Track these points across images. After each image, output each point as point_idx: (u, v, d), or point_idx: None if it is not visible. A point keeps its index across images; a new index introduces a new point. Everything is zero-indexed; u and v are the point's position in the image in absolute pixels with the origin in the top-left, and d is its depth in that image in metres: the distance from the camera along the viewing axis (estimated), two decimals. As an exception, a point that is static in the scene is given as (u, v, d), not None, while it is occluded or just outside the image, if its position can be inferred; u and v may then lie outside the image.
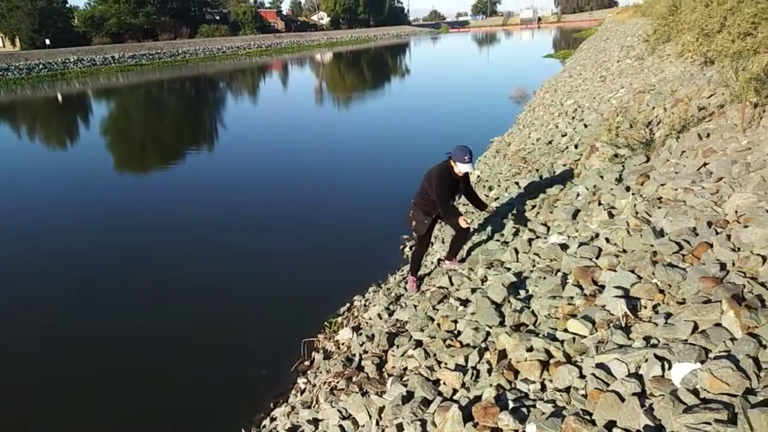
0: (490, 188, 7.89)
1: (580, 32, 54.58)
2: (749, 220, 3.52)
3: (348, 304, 6.02)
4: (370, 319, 5.26)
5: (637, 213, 4.43)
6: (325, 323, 5.64)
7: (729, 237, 3.39)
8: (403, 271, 6.51)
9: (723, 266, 3.12)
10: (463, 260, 5.50)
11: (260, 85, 36.38)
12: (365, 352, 4.47)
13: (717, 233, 3.54)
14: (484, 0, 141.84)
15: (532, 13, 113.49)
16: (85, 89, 35.41)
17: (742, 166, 4.29)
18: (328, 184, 10.95)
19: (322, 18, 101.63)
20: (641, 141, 6.15)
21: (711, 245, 3.40)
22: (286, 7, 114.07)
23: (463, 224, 4.84)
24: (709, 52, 7.97)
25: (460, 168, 4.79)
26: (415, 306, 4.79)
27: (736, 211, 3.74)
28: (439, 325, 4.12)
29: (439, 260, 5.93)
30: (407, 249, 7.32)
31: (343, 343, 5.05)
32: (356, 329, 5.16)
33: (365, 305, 5.84)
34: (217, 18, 79.12)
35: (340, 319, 5.73)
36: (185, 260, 7.64)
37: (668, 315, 2.89)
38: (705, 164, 4.75)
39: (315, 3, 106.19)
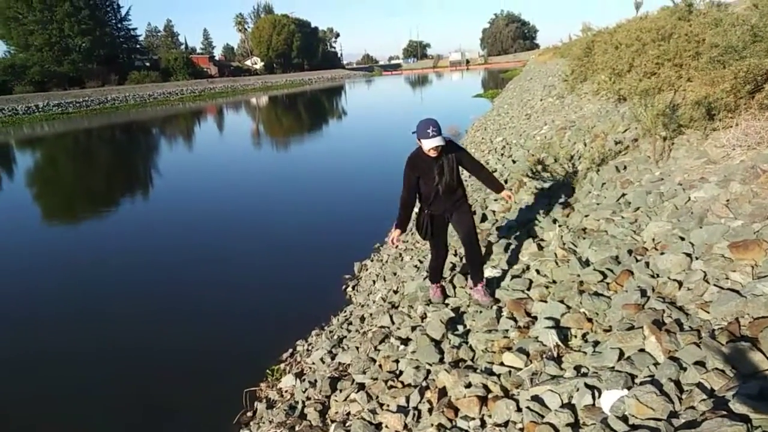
0: (427, 226, 8.02)
1: (506, 73, 57.23)
2: (665, 246, 3.74)
3: (291, 350, 5.89)
4: (313, 363, 5.17)
5: (564, 244, 4.63)
6: (268, 371, 5.48)
7: (648, 264, 3.59)
8: (345, 312, 6.46)
9: (644, 292, 3.29)
10: (483, 285, 4.47)
11: (195, 129, 35.71)
12: (308, 398, 4.38)
13: (637, 261, 3.74)
14: (414, 44, 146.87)
15: (460, 55, 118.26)
16: (7, 139, 33.81)
17: (656, 196, 4.58)
18: (266, 227, 10.82)
19: (256, 63, 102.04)
20: (565, 175, 6.46)
21: (632, 273, 3.59)
22: (218, 53, 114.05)
23: (389, 242, 4.39)
24: (620, 90, 8.54)
25: (424, 145, 3.93)
26: (357, 348, 4.75)
27: (653, 239, 3.98)
28: (380, 366, 4.10)
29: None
30: (350, 289, 7.30)
31: (286, 391, 4.93)
32: (299, 375, 5.05)
33: (308, 350, 5.73)
34: (148, 64, 77.87)
35: (282, 365, 5.59)
36: (118, 314, 7.27)
37: (596, 343, 3.01)
38: (623, 195, 5.03)
39: (248, 48, 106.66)
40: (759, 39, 6.33)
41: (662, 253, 3.59)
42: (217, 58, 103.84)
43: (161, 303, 7.45)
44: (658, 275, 3.44)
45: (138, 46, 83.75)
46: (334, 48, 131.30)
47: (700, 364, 2.46)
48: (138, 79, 67.91)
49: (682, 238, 3.69)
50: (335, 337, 5.45)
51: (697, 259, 3.35)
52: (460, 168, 4.32)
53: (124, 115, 46.43)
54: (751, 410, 2.03)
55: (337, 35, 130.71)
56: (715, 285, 2.98)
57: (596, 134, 7.64)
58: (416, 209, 4.50)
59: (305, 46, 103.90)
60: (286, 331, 6.21)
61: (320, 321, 6.34)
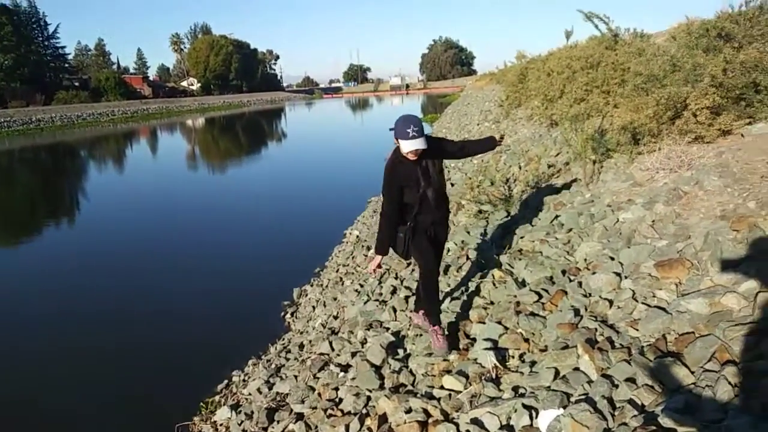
0: (368, 248, 8.01)
1: (445, 97, 58.53)
2: (596, 266, 3.86)
3: (226, 381, 5.70)
4: (250, 394, 5.00)
5: (501, 265, 4.71)
6: (201, 404, 5.26)
7: (580, 284, 3.70)
8: (284, 339, 6.31)
9: (577, 312, 3.37)
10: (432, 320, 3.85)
11: (126, 152, 34.53)
12: (244, 431, 4.21)
13: (570, 281, 3.84)
14: (355, 67, 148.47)
15: (400, 80, 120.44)
16: None
17: (587, 217, 4.74)
18: (202, 253, 10.48)
19: (193, 84, 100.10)
20: (501, 197, 6.62)
21: (566, 292, 3.67)
22: (153, 73, 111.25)
23: (369, 270, 3.89)
24: (552, 115, 8.89)
25: (404, 147, 3.34)
26: (296, 376, 4.63)
27: (585, 259, 4.11)
28: (320, 394, 4.00)
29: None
30: (289, 315, 7.15)
31: (221, 424, 4.73)
32: (235, 407, 4.87)
33: (244, 380, 5.55)
34: (77, 84, 75.04)
35: (217, 397, 5.39)
36: (39, 354, 6.81)
37: (533, 363, 3.05)
38: (557, 217, 5.19)
39: (184, 69, 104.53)
40: (677, 68, 6.75)
41: (594, 273, 3.71)
42: (151, 78, 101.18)
43: (86, 337, 7.05)
44: (590, 294, 3.54)
45: (66, 64, 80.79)
46: (274, 70, 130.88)
47: (631, 380, 2.52)
48: (66, 99, 65.18)
49: (612, 258, 3.82)
50: (273, 366, 5.30)
51: (626, 278, 3.47)
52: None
53: (50, 136, 44.35)
54: (678, 424, 2.09)
55: (277, 57, 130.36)
56: (643, 303, 3.10)
57: (530, 158, 7.89)
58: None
59: (244, 67, 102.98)
60: (222, 361, 6.02)
61: (258, 350, 6.17)
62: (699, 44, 7.95)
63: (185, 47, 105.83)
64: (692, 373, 2.42)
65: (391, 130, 3.46)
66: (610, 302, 3.33)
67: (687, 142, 5.39)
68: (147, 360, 6.35)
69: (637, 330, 2.91)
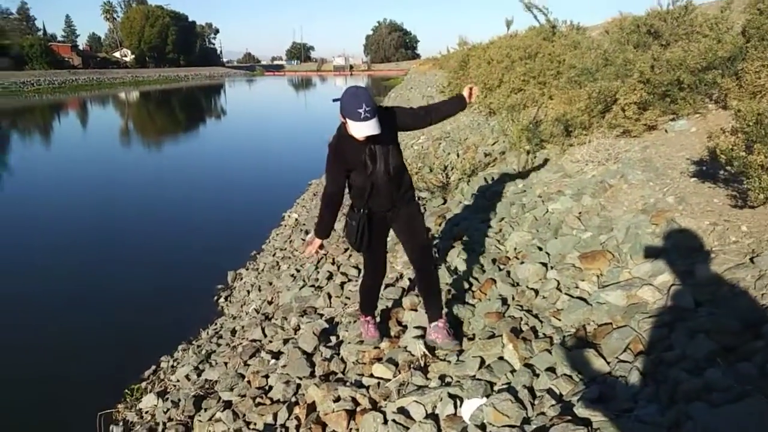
0: (307, 232, 7.93)
1: (388, 80, 58.47)
2: (525, 256, 3.97)
3: (154, 367, 5.52)
4: (178, 381, 4.87)
5: (435, 252, 4.76)
6: (126, 391, 5.07)
7: (509, 273, 3.79)
8: (216, 324, 6.18)
9: (504, 301, 3.46)
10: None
11: (53, 125, 32.57)
12: (170, 419, 4.10)
13: (500, 270, 3.93)
14: (298, 45, 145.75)
15: (344, 60, 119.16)
16: None
17: (519, 207, 4.86)
18: (133, 234, 10.05)
19: (126, 55, 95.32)
20: (438, 185, 6.68)
21: (495, 281, 3.76)
22: (83, 42, 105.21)
23: (306, 254, 3.46)
24: (491, 104, 9.03)
25: (353, 130, 2.84)
26: (226, 363, 4.54)
27: (515, 248, 4.21)
28: (249, 382, 3.94)
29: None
30: (222, 300, 7.00)
31: (146, 412, 4.58)
32: (162, 394, 4.73)
33: (173, 366, 5.40)
34: (-3, 50, 69.95)
35: (144, 384, 5.22)
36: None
37: (460, 352, 3.11)
38: (490, 205, 5.29)
39: (117, 39, 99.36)
40: (609, 63, 6.98)
41: (522, 263, 3.81)
42: (81, 47, 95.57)
43: (5, 319, 6.64)
44: (518, 284, 3.64)
45: (-16, 28, 74.94)
46: (214, 44, 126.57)
47: (551, 370, 2.62)
48: (-18, 65, 60.67)
49: (540, 248, 3.94)
50: (203, 351, 5.19)
51: (552, 268, 3.58)
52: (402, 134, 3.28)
53: (-37, 106, 41.28)
54: (592, 413, 2.18)
55: (217, 31, 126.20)
56: (566, 293, 3.21)
57: (468, 146, 8.00)
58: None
59: (182, 40, 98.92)
60: (151, 346, 5.83)
61: (189, 335, 6.01)
62: (630, 40, 8.24)
63: (118, 16, 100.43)
64: (608, 363, 2.53)
65: (335, 101, 2.95)
66: (536, 292, 3.43)
67: (615, 136, 5.60)
68: (71, 344, 6.06)
69: (560, 320, 3.02)
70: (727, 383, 2.02)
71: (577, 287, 3.23)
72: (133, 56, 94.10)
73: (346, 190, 3.18)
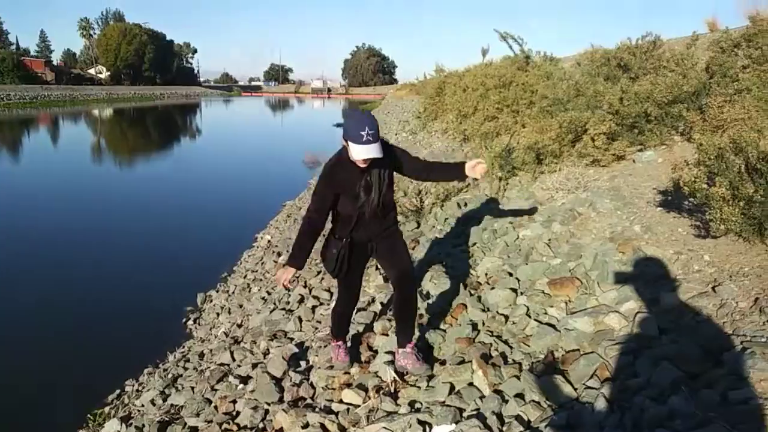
0: (279, 254, 7.87)
1: (366, 104, 58.85)
2: (496, 281, 4.00)
3: (118, 391, 5.37)
4: (143, 406, 4.74)
5: (408, 277, 4.77)
6: (89, 416, 4.92)
7: (480, 298, 3.81)
8: (184, 347, 6.05)
9: (475, 326, 3.47)
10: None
11: (23, 141, 31.85)
12: (133, 446, 3.99)
13: (471, 294, 3.95)
14: (276, 67, 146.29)
15: (322, 83, 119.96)
16: None
17: (490, 233, 4.91)
18: (103, 254, 9.81)
19: (101, 72, 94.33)
20: (412, 209, 6.72)
21: (466, 306, 3.78)
22: (57, 58, 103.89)
23: (279, 284, 3.14)
24: (465, 130, 9.17)
25: (354, 153, 2.78)
26: (193, 387, 4.44)
27: (486, 274, 4.25)
28: (216, 407, 3.86)
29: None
30: (191, 322, 6.86)
31: (108, 438, 4.45)
32: (125, 419, 4.59)
33: (138, 390, 5.26)
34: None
35: (107, 409, 5.06)
36: None
37: (431, 377, 3.11)
38: (463, 230, 5.34)
39: (93, 56, 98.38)
40: (581, 94, 7.18)
41: (493, 288, 3.84)
42: (55, 63, 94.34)
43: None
44: (488, 309, 3.66)
45: (-46, 42, 73.47)
46: (191, 64, 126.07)
47: (519, 396, 2.63)
48: (-49, 79, 59.27)
49: (511, 274, 3.98)
50: (170, 375, 5.07)
51: (522, 294, 3.62)
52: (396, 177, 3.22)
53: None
54: (560, 440, 2.19)
55: (195, 51, 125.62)
56: (535, 320, 3.24)
57: (442, 170, 8.08)
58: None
59: (159, 59, 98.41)
60: (116, 370, 5.67)
61: (155, 358, 5.87)
62: (600, 72, 8.49)
63: (95, 33, 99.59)
64: (575, 389, 2.55)
65: (337, 126, 2.96)
66: (506, 318, 3.46)
67: (585, 165, 5.72)
68: (31, 367, 5.86)
69: (529, 346, 3.04)
70: (690, 410, 2.05)
71: (546, 313, 3.26)
72: (109, 73, 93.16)
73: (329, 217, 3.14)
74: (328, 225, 3.22)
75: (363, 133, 2.70)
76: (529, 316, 3.31)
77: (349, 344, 3.80)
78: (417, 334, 3.54)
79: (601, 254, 3.54)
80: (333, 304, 3.47)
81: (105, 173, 20.75)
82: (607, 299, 3.11)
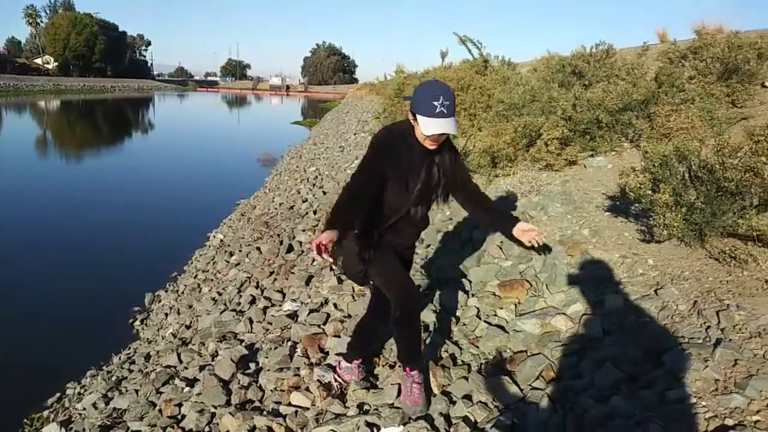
0: (231, 253, 7.71)
1: (325, 103, 58.55)
2: (448, 283, 4.02)
3: (59, 394, 5.16)
4: (84, 409, 4.56)
5: (362, 278, 4.75)
6: (26, 420, 4.71)
7: (432, 300, 3.82)
8: (129, 349, 5.86)
9: (426, 328, 3.47)
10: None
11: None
12: (72, 452, 3.83)
13: (424, 296, 3.96)
14: (233, 62, 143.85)
15: (281, 80, 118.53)
16: None
17: (444, 234, 4.94)
18: (45, 252, 9.43)
19: (48, 62, 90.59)
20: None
21: (418, 308, 3.78)
22: (0, 45, 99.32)
23: (313, 248, 2.26)
24: (423, 132, 9.20)
25: (425, 127, 2.25)
26: (137, 390, 4.30)
27: (438, 275, 4.26)
28: (161, 410, 3.74)
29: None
30: (138, 323, 6.65)
31: (46, 443, 4.26)
32: (65, 424, 4.40)
33: (80, 394, 5.06)
34: None
35: (46, 413, 4.86)
36: None
37: (380, 379, 3.09)
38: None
39: (40, 45, 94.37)
40: (536, 99, 7.32)
41: (444, 290, 3.85)
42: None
43: None
44: (440, 311, 3.68)
45: None
46: (144, 57, 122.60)
47: (467, 397, 2.64)
48: None
49: (464, 275, 4.01)
50: (113, 378, 4.89)
51: (473, 296, 3.65)
52: None
53: None
54: (505, 441, 2.21)
55: (149, 43, 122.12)
56: (485, 321, 3.27)
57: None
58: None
59: (110, 50, 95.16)
60: (57, 372, 5.44)
61: (99, 360, 5.66)
62: (555, 78, 8.68)
63: (42, 22, 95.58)
64: (521, 390, 2.58)
65: (406, 99, 2.44)
66: (458, 319, 3.48)
67: (538, 169, 5.83)
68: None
69: (478, 347, 3.06)
70: (629, 410, 2.10)
71: (495, 315, 3.30)
72: (56, 64, 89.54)
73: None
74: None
75: (436, 103, 2.22)
76: (480, 318, 3.34)
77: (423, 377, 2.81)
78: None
79: (551, 257, 3.60)
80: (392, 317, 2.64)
81: (50, 169, 19.92)
82: (555, 301, 3.17)
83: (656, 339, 2.55)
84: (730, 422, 1.94)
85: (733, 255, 2.90)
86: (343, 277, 5.04)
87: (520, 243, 2.64)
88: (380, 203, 2.51)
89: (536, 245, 2.63)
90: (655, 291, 2.95)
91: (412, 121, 2.36)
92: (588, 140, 5.90)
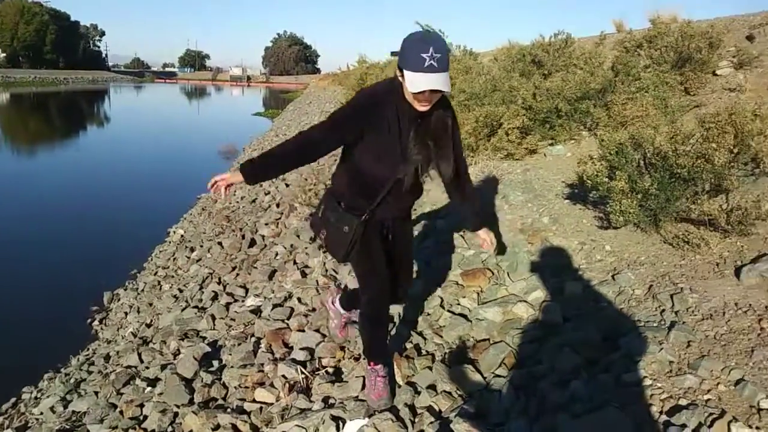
0: (192, 249, 7.57)
1: (287, 94, 57.83)
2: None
3: (14, 399, 5.00)
4: (41, 414, 4.43)
5: (326, 271, 4.72)
6: (-21, 428, 4.55)
7: (396, 291, 3.83)
8: (88, 350, 5.70)
9: (391, 318, 3.48)
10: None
11: None
12: (29, 458, 3.71)
13: (388, 288, 3.96)
14: (192, 53, 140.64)
15: (241, 71, 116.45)
16: None
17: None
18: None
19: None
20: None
21: (382, 299, 3.78)
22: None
23: (213, 190, 2.18)
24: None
25: (413, 83, 1.94)
26: (97, 393, 4.19)
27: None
28: (122, 412, 3.65)
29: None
30: (96, 323, 6.47)
31: (1, 451, 4.13)
32: (21, 429, 4.29)
33: (36, 398, 4.91)
34: None
35: (0, 419, 4.70)
36: None
37: (344, 372, 3.08)
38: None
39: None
40: (497, 89, 7.37)
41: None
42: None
43: None
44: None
45: None
46: (99, 47, 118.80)
47: (432, 387, 2.65)
48: None
49: (428, 264, 4.02)
50: (72, 380, 4.77)
51: (436, 285, 3.66)
52: None
53: None
54: (468, 429, 2.23)
55: (103, 33, 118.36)
56: (448, 311, 3.29)
57: (362, 163, 8.07)
58: (319, 212, 2.48)
59: (62, 41, 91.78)
60: (11, 376, 5.28)
61: (56, 362, 5.50)
62: (516, 68, 8.76)
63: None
64: (484, 378, 2.61)
65: (393, 54, 2.08)
66: (422, 309, 3.49)
67: (499, 158, 5.89)
68: None
69: (442, 337, 3.08)
70: (588, 394, 2.15)
71: (458, 304, 3.32)
72: (4, 55, 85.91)
73: (342, 169, 2.36)
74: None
75: (425, 55, 1.89)
76: (443, 307, 3.35)
77: (387, 370, 2.70)
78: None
79: (512, 245, 3.65)
80: (359, 310, 2.62)
81: (1, 164, 19.16)
82: (516, 289, 3.21)
83: (614, 323, 2.60)
84: (683, 402, 2.00)
85: (686, 239, 2.98)
86: (309, 268, 5.01)
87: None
88: (363, 173, 2.25)
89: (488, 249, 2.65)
90: (613, 276, 3.02)
91: (399, 78, 2.03)
92: (548, 129, 5.98)
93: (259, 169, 2.19)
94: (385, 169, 2.21)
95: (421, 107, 2.04)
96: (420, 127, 2.15)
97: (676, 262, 2.98)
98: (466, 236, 4.10)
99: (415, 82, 1.93)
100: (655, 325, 2.47)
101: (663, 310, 2.58)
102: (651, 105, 5.04)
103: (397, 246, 2.56)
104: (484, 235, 2.58)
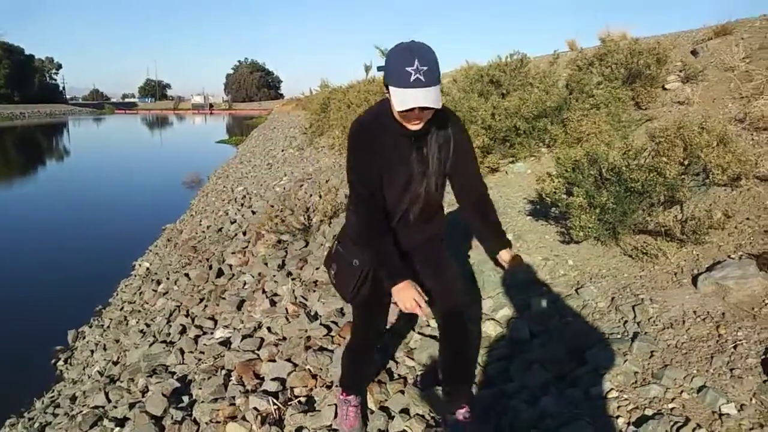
0: (159, 282, 7.43)
1: (251, 120, 57.62)
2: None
3: (-27, 449, 4.79)
4: (3, 464, 4.26)
5: (295, 299, 4.69)
6: (-64, 483, 4.34)
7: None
8: (53, 392, 5.51)
9: (362, 344, 3.47)
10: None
11: None
12: None
13: (358, 312, 3.96)
14: (152, 82, 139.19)
15: (203, 98, 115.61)
16: None
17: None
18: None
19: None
20: (300, 227, 6.64)
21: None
22: None
23: (405, 303, 1.90)
24: (350, 146, 9.24)
25: (400, 101, 1.76)
26: (62, 437, 4.05)
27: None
28: (89, 456, 3.55)
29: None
30: (61, 363, 6.27)
31: (-39, 506, 3.94)
32: (-18, 482, 4.10)
33: (-3, 445, 4.72)
34: None
35: (-41, 472, 4.50)
36: None
37: (317, 401, 3.06)
38: (349, 247, 5.34)
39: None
40: (457, 109, 7.51)
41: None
42: None
43: None
44: (375, 326, 3.68)
45: None
46: (56, 80, 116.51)
47: (404, 411, 2.65)
48: None
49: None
50: (36, 425, 4.60)
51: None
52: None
53: None
54: (443, 452, 2.24)
55: (59, 66, 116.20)
56: (419, 333, 3.30)
57: (330, 188, 8.08)
58: (332, 250, 2.35)
59: (17, 75, 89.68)
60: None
61: (19, 406, 5.30)
62: (474, 88, 8.95)
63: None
64: (457, 399, 2.62)
65: (379, 69, 1.89)
66: (392, 331, 3.50)
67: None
68: None
69: (413, 359, 3.09)
70: (559, 409, 2.19)
71: (428, 325, 3.34)
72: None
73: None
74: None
75: (410, 69, 1.71)
76: (413, 329, 3.37)
77: (359, 400, 2.67)
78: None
79: (478, 263, 3.70)
80: (346, 342, 2.53)
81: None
82: (485, 307, 3.25)
83: (580, 337, 2.66)
84: (649, 412, 2.05)
85: (644, 251, 3.08)
86: (278, 296, 4.96)
87: (498, 263, 2.25)
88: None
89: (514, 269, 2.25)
90: (576, 290, 3.09)
91: (386, 95, 1.86)
92: (508, 147, 6.12)
93: (396, 265, 1.95)
94: (392, 196, 2.02)
95: (413, 126, 1.86)
96: (420, 148, 1.98)
97: (636, 273, 3.07)
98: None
99: (402, 100, 1.75)
100: (618, 336, 2.54)
101: (626, 322, 2.65)
102: (604, 121, 5.21)
103: (424, 267, 2.29)
104: (508, 256, 2.18)
